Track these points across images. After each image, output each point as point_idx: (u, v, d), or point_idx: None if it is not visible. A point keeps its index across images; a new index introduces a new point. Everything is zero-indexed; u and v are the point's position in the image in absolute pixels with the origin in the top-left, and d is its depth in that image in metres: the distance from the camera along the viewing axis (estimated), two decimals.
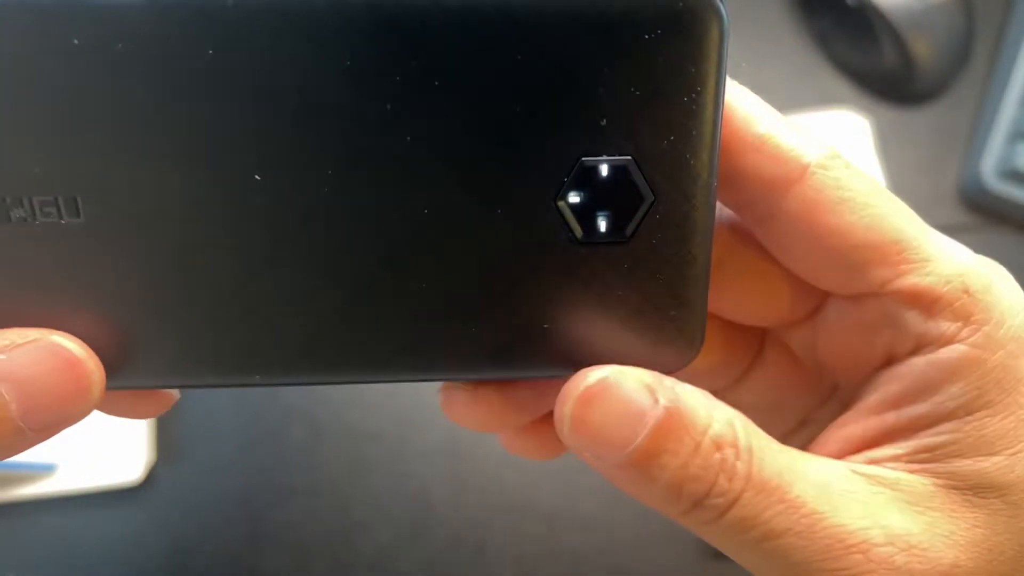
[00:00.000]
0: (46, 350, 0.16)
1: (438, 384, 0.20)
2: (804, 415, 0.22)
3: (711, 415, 0.16)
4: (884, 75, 0.48)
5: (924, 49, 0.46)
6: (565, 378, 0.17)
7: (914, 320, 0.17)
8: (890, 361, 0.18)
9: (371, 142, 0.16)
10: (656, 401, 0.16)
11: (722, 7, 0.16)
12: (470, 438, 0.41)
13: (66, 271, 0.16)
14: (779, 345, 0.21)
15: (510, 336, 0.17)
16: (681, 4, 0.15)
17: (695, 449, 0.16)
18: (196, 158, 0.16)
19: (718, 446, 0.16)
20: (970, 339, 0.17)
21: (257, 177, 0.16)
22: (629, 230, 0.17)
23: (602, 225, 0.17)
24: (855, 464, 0.17)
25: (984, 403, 0.17)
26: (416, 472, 0.41)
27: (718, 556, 0.41)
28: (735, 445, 0.16)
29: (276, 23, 0.15)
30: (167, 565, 0.39)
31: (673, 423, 0.16)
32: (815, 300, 0.20)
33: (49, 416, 0.16)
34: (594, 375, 0.16)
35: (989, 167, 0.47)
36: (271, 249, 0.16)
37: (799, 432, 0.22)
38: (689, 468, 0.16)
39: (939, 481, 0.17)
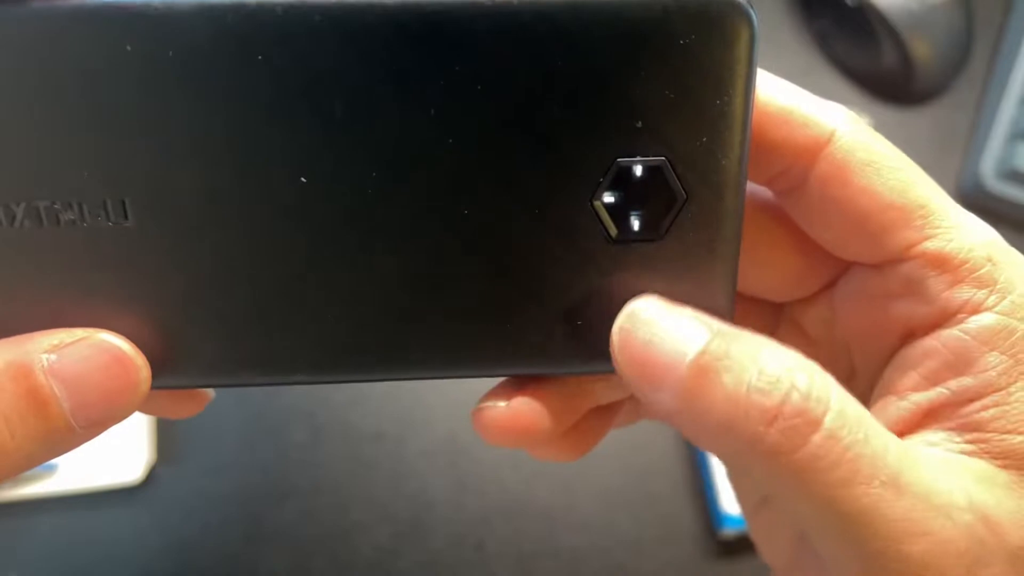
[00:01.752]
0: (95, 347, 0.16)
1: (439, 384, 0.20)
2: None
3: (775, 345, 0.15)
4: (884, 75, 0.48)
5: (924, 49, 0.46)
6: (597, 375, 0.17)
7: (938, 287, 0.17)
8: (911, 334, 0.18)
9: (414, 145, 0.16)
10: (710, 326, 0.16)
11: (751, 12, 0.16)
12: (470, 438, 0.41)
13: (114, 272, 0.17)
14: (792, 327, 0.21)
15: (545, 332, 0.18)
16: (713, 10, 0.16)
17: (758, 372, 0.15)
18: (242, 161, 0.16)
19: (786, 368, 0.15)
20: (998, 307, 0.17)
21: (303, 180, 0.16)
22: (662, 229, 0.17)
23: (636, 224, 0.17)
24: (919, 447, 0.17)
25: (1022, 371, 0.17)
26: (416, 472, 0.41)
27: (719, 556, 0.41)
28: (807, 371, 0.15)
29: (323, 30, 0.15)
30: (167, 565, 0.39)
31: (729, 343, 0.15)
32: (829, 273, 0.20)
33: (98, 413, 0.16)
34: (643, 298, 0.17)
35: (989, 167, 0.47)
36: (315, 250, 0.17)
37: None
38: (752, 381, 0.15)
39: (997, 461, 0.16)
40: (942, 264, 0.17)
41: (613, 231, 0.17)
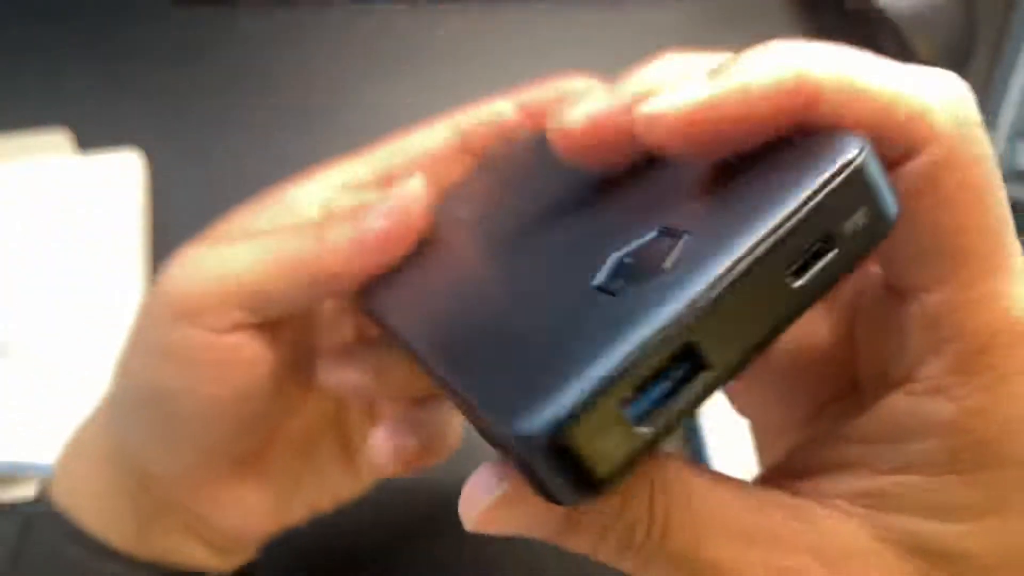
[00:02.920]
0: (411, 186, 0.23)
1: None
2: (810, 414, 0.21)
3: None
4: None
5: (925, 48, 0.46)
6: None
7: (920, 345, 0.15)
8: (886, 375, 0.17)
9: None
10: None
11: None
12: (472, 436, 0.41)
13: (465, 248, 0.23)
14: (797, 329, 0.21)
15: (521, 383, 0.16)
16: None
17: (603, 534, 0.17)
18: (519, 230, 0.21)
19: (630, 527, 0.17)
20: (966, 401, 0.15)
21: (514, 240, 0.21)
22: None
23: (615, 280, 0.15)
24: (791, 497, 0.16)
25: (952, 470, 0.15)
26: (416, 470, 0.41)
27: None
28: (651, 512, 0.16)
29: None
30: None
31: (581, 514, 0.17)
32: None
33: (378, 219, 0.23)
34: (499, 488, 0.18)
35: None
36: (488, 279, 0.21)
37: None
38: (607, 537, 0.17)
39: (874, 532, 0.16)
40: (934, 325, 0.15)
41: (600, 282, 0.16)
